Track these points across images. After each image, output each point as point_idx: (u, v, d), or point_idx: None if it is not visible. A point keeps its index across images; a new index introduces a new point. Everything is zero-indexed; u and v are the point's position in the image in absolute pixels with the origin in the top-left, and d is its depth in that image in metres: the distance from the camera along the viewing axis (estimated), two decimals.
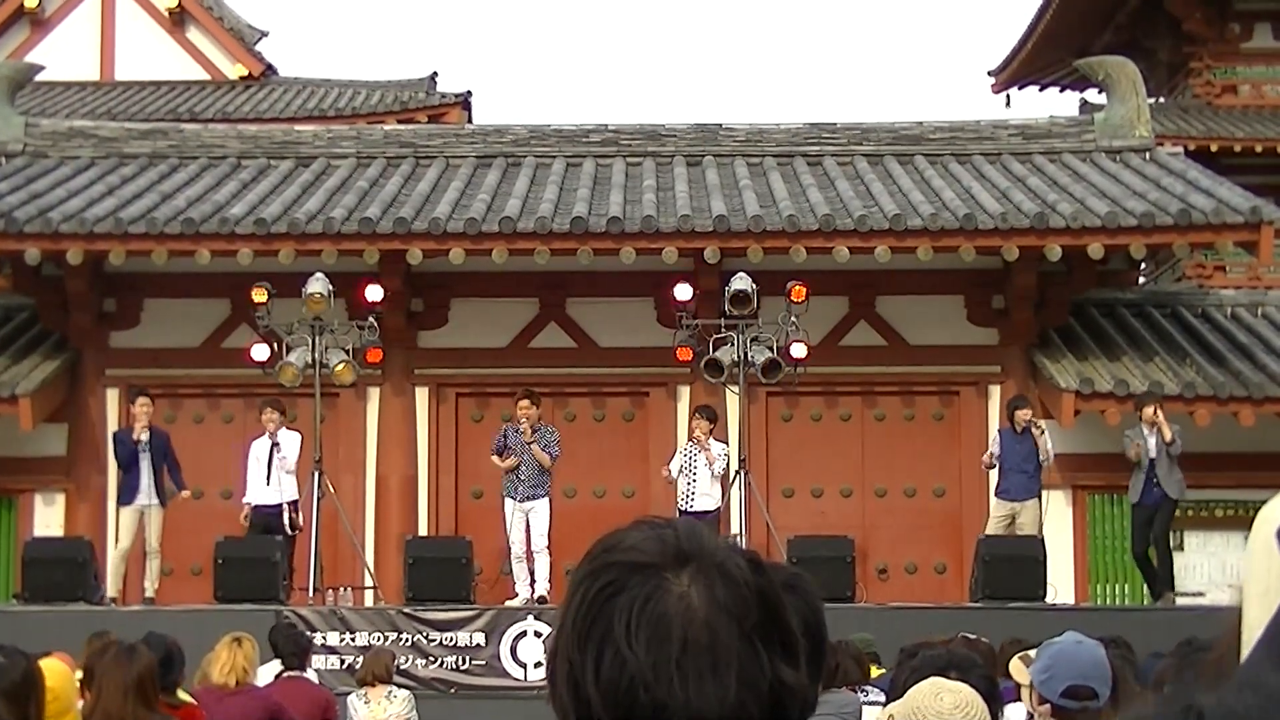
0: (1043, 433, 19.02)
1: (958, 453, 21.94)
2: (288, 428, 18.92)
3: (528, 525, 18.65)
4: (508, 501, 18.78)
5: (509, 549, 18.84)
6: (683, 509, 18.94)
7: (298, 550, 18.60)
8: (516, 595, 18.65)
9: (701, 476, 18.78)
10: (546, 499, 18.71)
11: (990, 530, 18.96)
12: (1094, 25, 35.97)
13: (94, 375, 22.24)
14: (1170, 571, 19.07)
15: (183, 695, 8.78)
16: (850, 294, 22.20)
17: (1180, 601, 19.12)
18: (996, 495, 19.20)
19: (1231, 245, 21.57)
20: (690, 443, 19.12)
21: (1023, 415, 19.00)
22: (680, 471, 18.85)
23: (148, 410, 18.90)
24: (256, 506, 18.74)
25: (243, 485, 19.07)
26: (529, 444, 18.52)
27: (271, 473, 18.66)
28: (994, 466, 19.18)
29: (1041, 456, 18.91)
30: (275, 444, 18.65)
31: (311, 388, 18.97)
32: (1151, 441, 18.64)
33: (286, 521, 18.76)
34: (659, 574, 1.75)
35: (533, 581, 18.66)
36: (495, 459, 18.89)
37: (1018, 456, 18.95)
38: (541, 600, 18.36)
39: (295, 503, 18.77)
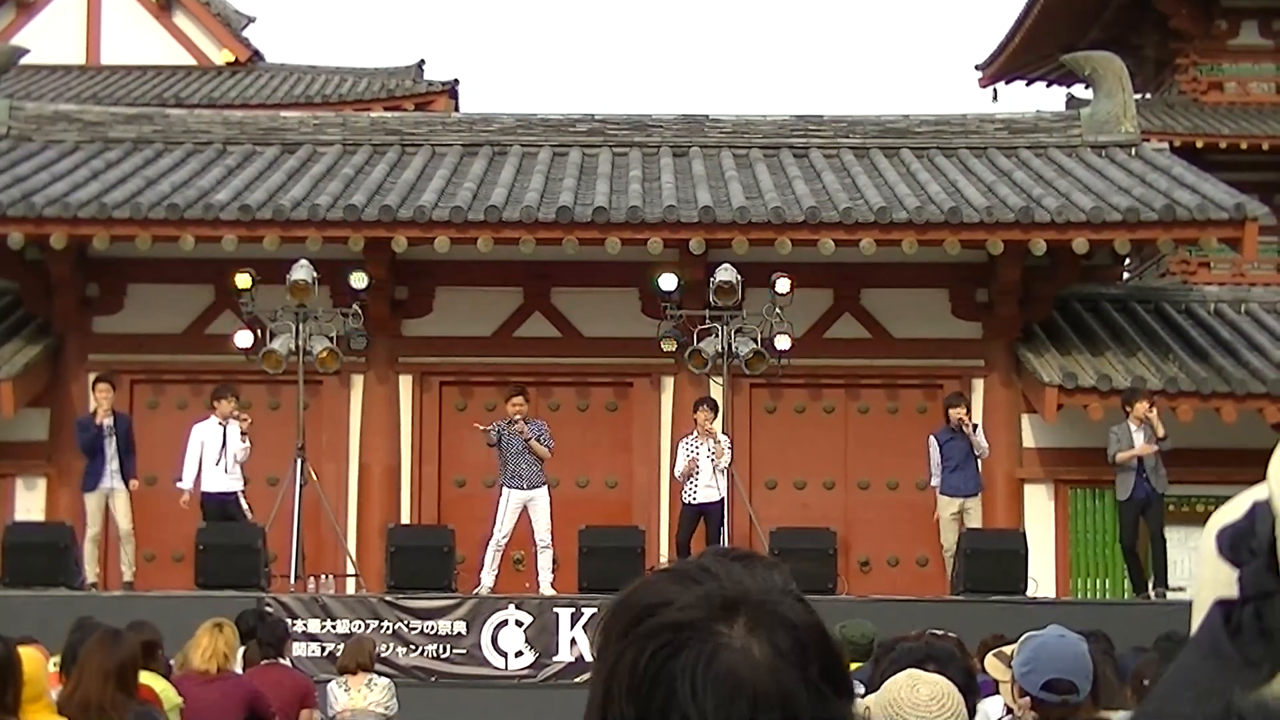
0: (976, 429, 19.14)
1: None
2: (234, 418, 18.84)
3: (525, 517, 18.53)
4: (512, 493, 18.56)
5: (491, 536, 18.67)
6: (687, 501, 18.84)
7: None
8: (480, 584, 18.51)
9: (704, 468, 18.66)
10: (545, 486, 18.63)
11: (944, 527, 19.04)
12: (1081, 21, 36.00)
13: (77, 360, 22.18)
14: (1164, 567, 19.12)
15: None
16: (835, 286, 22.20)
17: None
18: (943, 493, 19.20)
19: (1216, 241, 21.59)
20: (692, 436, 19.01)
21: (955, 414, 19.10)
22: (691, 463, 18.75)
23: (108, 395, 18.95)
24: (209, 493, 18.66)
25: (179, 469, 18.90)
26: (526, 440, 18.41)
27: (225, 459, 18.60)
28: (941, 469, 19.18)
29: (977, 452, 19.04)
30: (226, 431, 18.61)
31: (295, 374, 18.97)
32: (1139, 437, 18.68)
33: (246, 508, 18.75)
34: (711, 629, 1.64)
35: (539, 575, 18.56)
36: (496, 449, 18.80)
37: (960, 453, 19.04)
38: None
39: (244, 491, 18.87)
